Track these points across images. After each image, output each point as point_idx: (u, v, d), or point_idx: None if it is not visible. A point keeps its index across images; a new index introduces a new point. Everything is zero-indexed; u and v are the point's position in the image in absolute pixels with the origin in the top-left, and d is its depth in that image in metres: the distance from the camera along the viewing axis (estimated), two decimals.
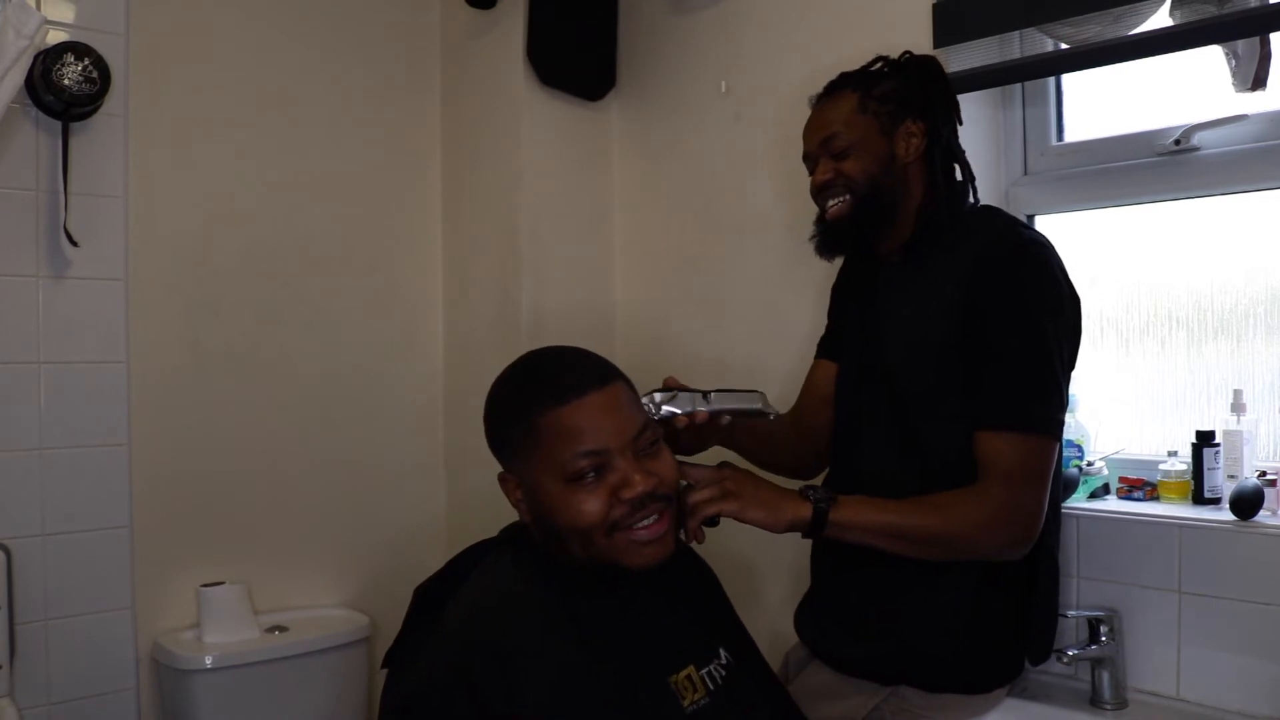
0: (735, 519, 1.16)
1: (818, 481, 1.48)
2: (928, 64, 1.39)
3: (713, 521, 1.16)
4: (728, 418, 1.31)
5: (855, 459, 1.41)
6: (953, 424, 1.27)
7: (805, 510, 1.17)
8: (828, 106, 1.38)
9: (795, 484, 1.25)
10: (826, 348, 1.56)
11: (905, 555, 1.22)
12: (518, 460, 1.07)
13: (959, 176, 1.38)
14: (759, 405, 1.31)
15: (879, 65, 1.39)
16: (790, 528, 1.18)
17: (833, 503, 1.18)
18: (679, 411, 1.26)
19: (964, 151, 1.39)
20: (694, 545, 1.24)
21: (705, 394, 1.28)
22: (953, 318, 1.26)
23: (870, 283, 1.44)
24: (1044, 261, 1.26)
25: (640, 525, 1.03)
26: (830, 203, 1.37)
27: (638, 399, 1.11)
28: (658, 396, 1.26)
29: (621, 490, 1.02)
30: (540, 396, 1.04)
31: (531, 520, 1.09)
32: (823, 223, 1.40)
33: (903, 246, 1.37)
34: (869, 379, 1.39)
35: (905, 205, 1.35)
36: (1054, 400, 1.23)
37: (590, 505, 1.01)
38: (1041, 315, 1.23)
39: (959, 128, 1.39)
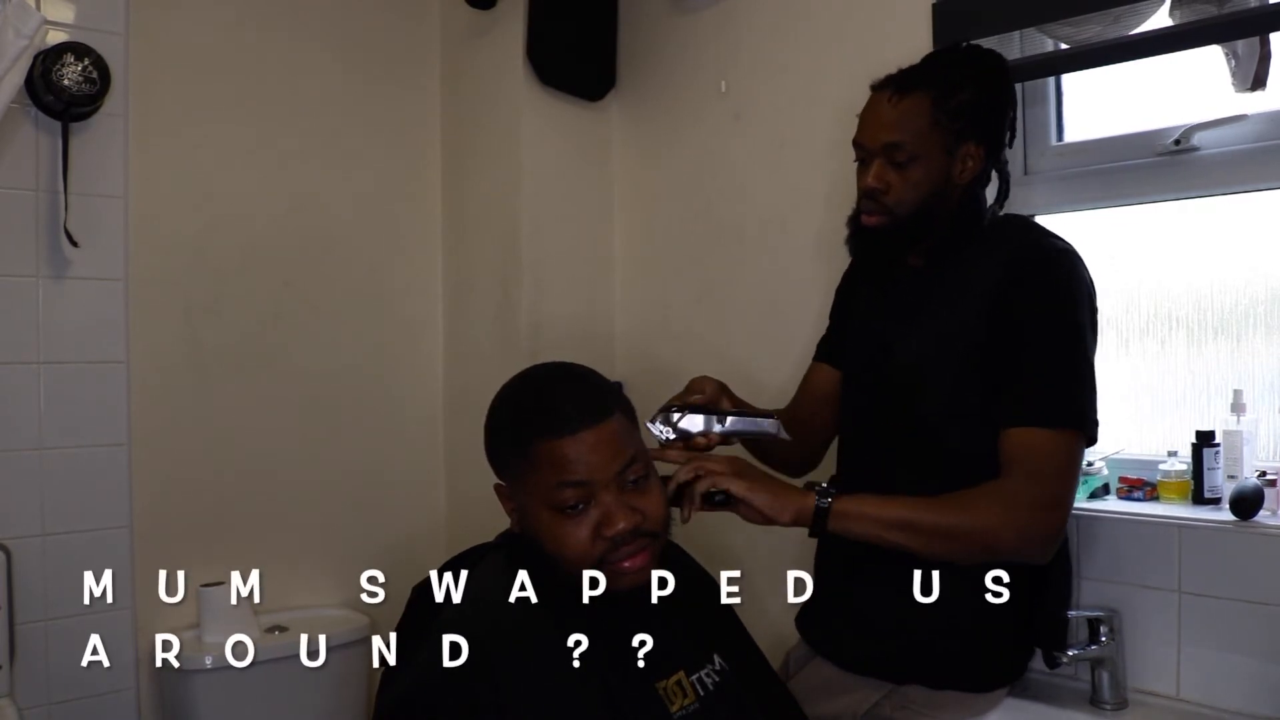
0: (740, 498, 1.17)
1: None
2: (1004, 82, 1.34)
3: (714, 499, 1.18)
4: (736, 440, 1.33)
5: (865, 465, 1.41)
6: (972, 427, 1.26)
7: (809, 500, 1.18)
8: (900, 106, 1.29)
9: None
10: (826, 351, 1.55)
11: (916, 551, 1.20)
12: (511, 478, 1.10)
13: (995, 190, 1.38)
14: (772, 431, 1.32)
15: (956, 51, 1.35)
16: (795, 518, 1.18)
17: (836, 496, 1.19)
18: (694, 431, 1.29)
19: (1007, 163, 1.39)
20: (696, 560, 1.25)
21: (721, 416, 1.31)
22: (984, 322, 1.26)
23: (885, 285, 1.43)
24: (1075, 267, 1.27)
25: (623, 561, 1.05)
26: (870, 211, 1.33)
27: (634, 426, 1.11)
28: (674, 415, 1.29)
29: (603, 527, 1.03)
30: (536, 424, 1.05)
31: (522, 532, 1.11)
32: (857, 223, 1.37)
33: (926, 251, 1.36)
34: (883, 383, 1.38)
35: (939, 218, 1.33)
36: (1089, 396, 1.23)
37: (574, 538, 1.03)
38: (1077, 316, 1.24)
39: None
